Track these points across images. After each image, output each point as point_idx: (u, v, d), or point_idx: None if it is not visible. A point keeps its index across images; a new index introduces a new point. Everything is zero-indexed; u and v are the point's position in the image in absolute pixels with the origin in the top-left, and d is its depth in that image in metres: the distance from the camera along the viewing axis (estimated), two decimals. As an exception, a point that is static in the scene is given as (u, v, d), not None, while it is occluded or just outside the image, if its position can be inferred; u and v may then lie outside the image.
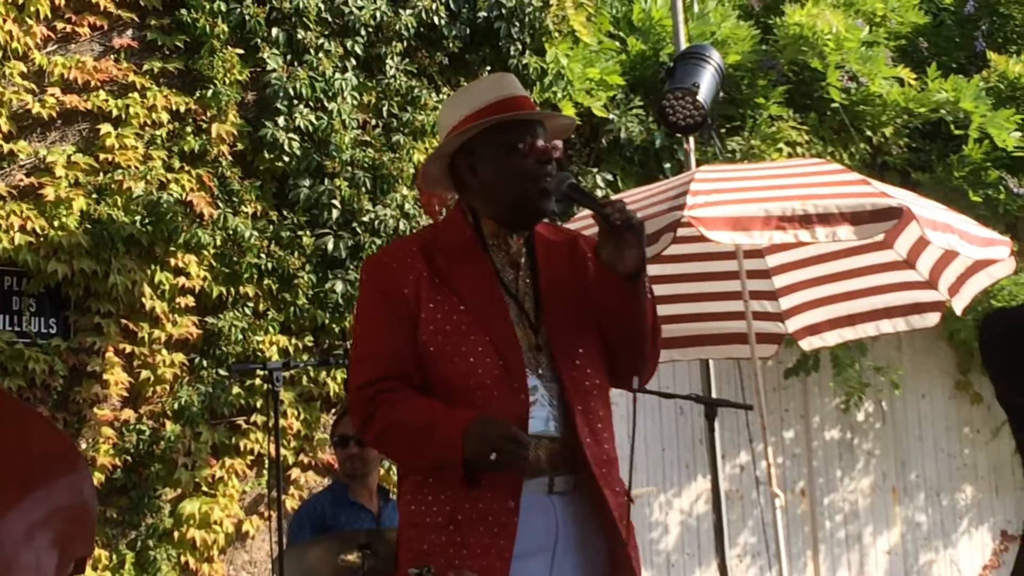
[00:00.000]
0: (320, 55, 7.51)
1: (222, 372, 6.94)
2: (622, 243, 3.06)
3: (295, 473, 7.12)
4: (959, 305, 5.99)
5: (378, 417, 3.10)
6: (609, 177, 8.41)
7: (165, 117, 7.06)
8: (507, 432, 2.92)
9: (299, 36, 7.47)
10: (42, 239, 6.51)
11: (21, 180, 6.63)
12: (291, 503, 6.85)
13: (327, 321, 7.25)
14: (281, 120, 7.30)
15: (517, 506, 3.01)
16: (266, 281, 7.17)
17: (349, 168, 7.41)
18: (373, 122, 7.74)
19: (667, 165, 8.55)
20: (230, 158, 7.20)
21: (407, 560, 3.08)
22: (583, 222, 5.63)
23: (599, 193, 8.14)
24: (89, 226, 6.65)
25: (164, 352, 6.83)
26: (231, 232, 7.06)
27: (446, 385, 3.08)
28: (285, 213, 7.32)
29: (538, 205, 3.20)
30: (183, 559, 6.70)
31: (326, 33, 7.60)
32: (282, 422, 6.86)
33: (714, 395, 6.78)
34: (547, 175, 3.18)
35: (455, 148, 3.26)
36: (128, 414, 6.70)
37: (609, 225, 3.06)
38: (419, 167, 7.68)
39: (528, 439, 2.94)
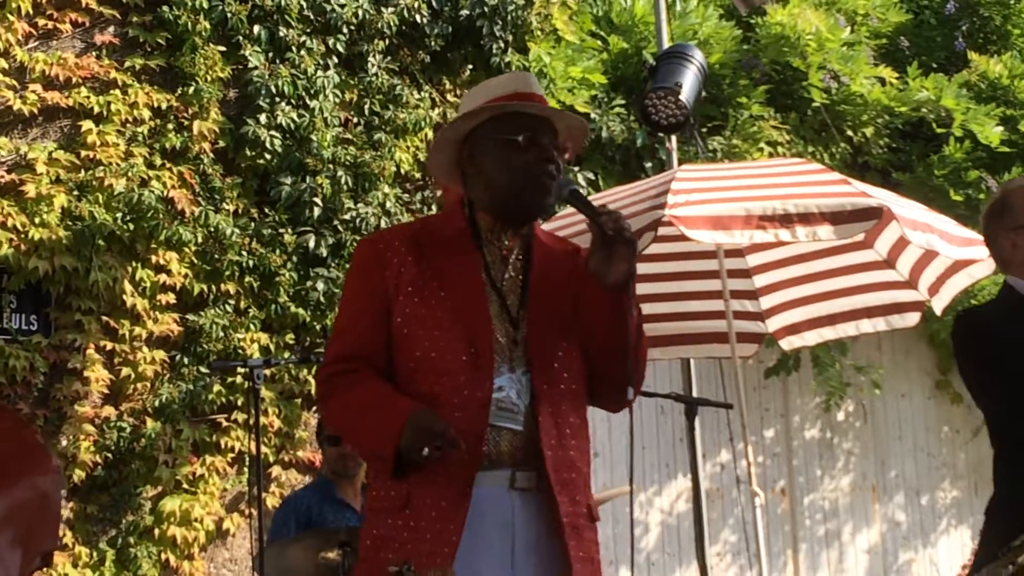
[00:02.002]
0: (302, 53, 7.50)
1: (203, 369, 6.93)
2: (613, 255, 3.02)
3: (276, 471, 7.11)
4: (939, 305, 6.00)
5: (334, 396, 3.15)
6: (590, 176, 8.41)
7: (147, 114, 7.04)
8: (440, 430, 2.92)
9: (281, 33, 7.46)
10: (23, 236, 6.48)
11: (2, 177, 6.60)
12: (272, 501, 6.85)
13: (308, 319, 7.24)
14: (263, 117, 7.29)
15: (469, 492, 2.99)
16: (247, 279, 7.15)
17: (331, 166, 7.41)
18: (355, 120, 7.74)
19: (648, 164, 8.55)
20: (211, 155, 7.19)
21: (367, 546, 3.08)
22: (562, 221, 5.63)
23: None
24: (70, 223, 6.63)
25: (145, 349, 6.82)
26: (212, 229, 7.05)
27: (415, 366, 3.08)
28: (266, 211, 7.31)
29: (532, 201, 3.18)
30: (164, 556, 6.69)
31: (308, 31, 7.59)
32: (263, 420, 6.87)
33: (694, 394, 6.76)
34: (546, 173, 3.15)
35: (461, 136, 3.25)
36: (109, 411, 6.69)
37: (602, 235, 3.03)
38: (400, 164, 7.73)
39: (460, 442, 2.93)
